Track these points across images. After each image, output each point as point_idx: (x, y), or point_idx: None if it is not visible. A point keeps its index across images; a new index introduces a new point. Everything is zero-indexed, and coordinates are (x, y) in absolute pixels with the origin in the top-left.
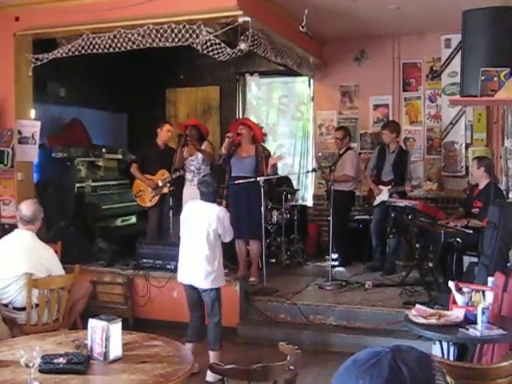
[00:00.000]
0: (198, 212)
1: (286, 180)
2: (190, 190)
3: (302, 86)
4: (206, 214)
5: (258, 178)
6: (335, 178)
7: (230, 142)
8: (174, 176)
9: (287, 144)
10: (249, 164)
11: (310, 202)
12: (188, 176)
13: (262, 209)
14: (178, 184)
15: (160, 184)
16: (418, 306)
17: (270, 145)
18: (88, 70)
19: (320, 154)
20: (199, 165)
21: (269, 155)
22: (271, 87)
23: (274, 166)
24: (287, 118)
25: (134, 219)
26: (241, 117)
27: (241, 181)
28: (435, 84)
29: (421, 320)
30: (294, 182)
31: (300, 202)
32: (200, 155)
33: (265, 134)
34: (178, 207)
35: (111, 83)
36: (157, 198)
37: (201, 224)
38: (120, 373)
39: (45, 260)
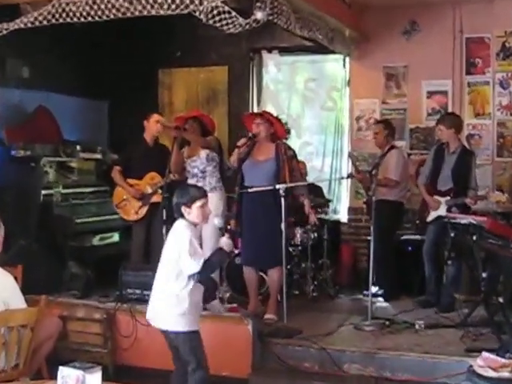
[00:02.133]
0: (171, 231)
1: (313, 188)
2: None
3: (334, 66)
4: (171, 234)
5: (278, 186)
6: (377, 183)
7: (241, 151)
8: (167, 180)
9: (315, 142)
10: (267, 170)
11: (344, 217)
12: (190, 182)
13: (283, 226)
14: (174, 190)
15: (149, 191)
16: (484, 354)
17: (294, 142)
18: (59, 46)
19: (355, 153)
20: (204, 165)
21: (293, 157)
22: (295, 68)
23: (301, 171)
24: (315, 109)
25: (116, 237)
26: (255, 106)
27: (255, 189)
28: (508, 65)
29: (490, 373)
30: (324, 191)
31: (331, 217)
32: (203, 153)
33: (288, 131)
34: (173, 221)
35: (89, 62)
36: (145, 209)
37: (165, 247)
38: None
39: (1, 289)
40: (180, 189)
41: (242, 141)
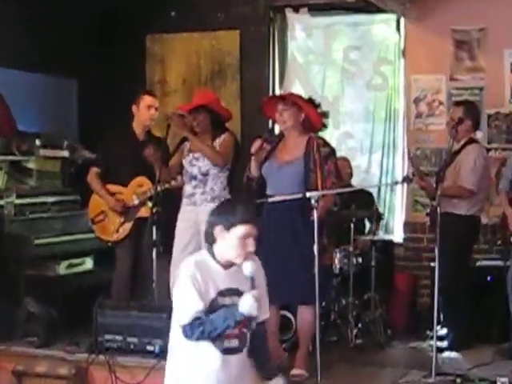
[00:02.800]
0: None
1: (357, 197)
2: (189, 216)
3: (384, 30)
4: None
5: (309, 194)
6: (444, 192)
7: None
8: (160, 188)
9: (358, 133)
10: (293, 173)
11: (398, 236)
12: (187, 188)
13: (316, 248)
14: (168, 202)
15: (135, 202)
16: None
17: (330, 134)
18: (12, 8)
19: (418, 153)
20: (208, 166)
21: (330, 154)
22: (331, 33)
23: (340, 174)
24: (359, 88)
25: (89, 263)
26: (277, 85)
27: (277, 198)
28: None
29: None
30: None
31: (381, 236)
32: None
33: (324, 114)
34: (166, 243)
35: (51, 28)
36: (128, 226)
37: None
38: None
39: None
40: (223, 203)
41: (256, 144)
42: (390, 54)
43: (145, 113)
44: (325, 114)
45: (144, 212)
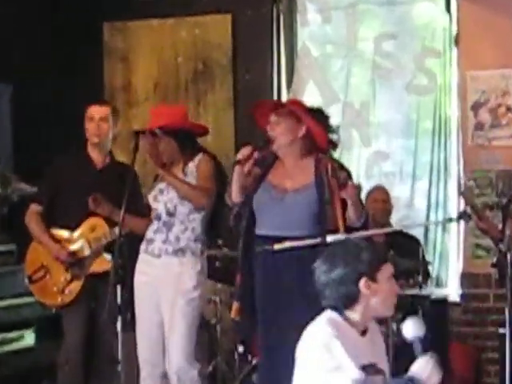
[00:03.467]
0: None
1: (396, 240)
2: (144, 268)
3: (429, 11)
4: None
5: (330, 238)
6: None
7: (247, 172)
8: (122, 232)
9: (397, 152)
10: (304, 207)
11: (454, 292)
12: (148, 231)
13: None
14: (134, 250)
15: (85, 252)
16: None
17: (357, 154)
18: None
19: (473, 184)
20: (176, 202)
21: (347, 179)
22: (356, 15)
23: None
24: (396, 90)
25: (29, 338)
26: (283, 87)
27: (281, 245)
28: None
29: None
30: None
31: (431, 293)
32: (181, 176)
33: (331, 130)
34: (134, 309)
35: None
36: (78, 284)
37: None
38: None
39: None
40: (339, 245)
41: (245, 151)
42: (438, 42)
43: (87, 128)
44: (331, 130)
45: (99, 266)
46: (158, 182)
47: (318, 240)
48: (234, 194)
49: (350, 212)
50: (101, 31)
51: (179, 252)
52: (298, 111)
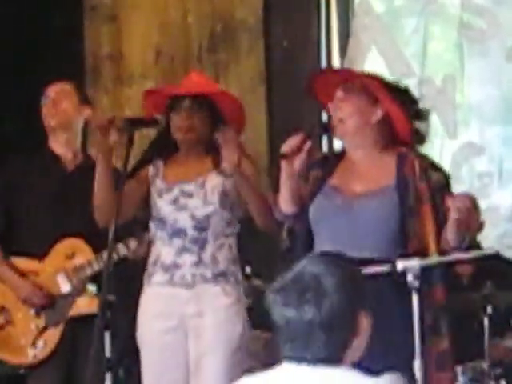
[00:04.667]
0: None
1: (494, 267)
2: (163, 307)
3: None
4: None
5: (402, 264)
6: None
7: (299, 171)
8: (118, 255)
9: (493, 144)
10: (379, 216)
11: None
12: (163, 253)
13: (418, 364)
14: (129, 281)
15: (63, 287)
16: None
17: (439, 147)
18: None
19: None
20: (211, 208)
21: (445, 185)
22: None
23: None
24: (492, 59)
25: None
26: (335, 56)
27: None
28: None
29: None
30: None
31: None
32: (214, 178)
33: (419, 115)
34: (131, 362)
35: None
36: (55, 334)
37: None
38: None
39: None
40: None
41: (294, 141)
42: None
43: (43, 113)
44: (421, 115)
45: (83, 306)
46: (173, 183)
47: (386, 268)
48: (284, 202)
49: (450, 232)
50: None
51: (220, 277)
52: (373, 86)
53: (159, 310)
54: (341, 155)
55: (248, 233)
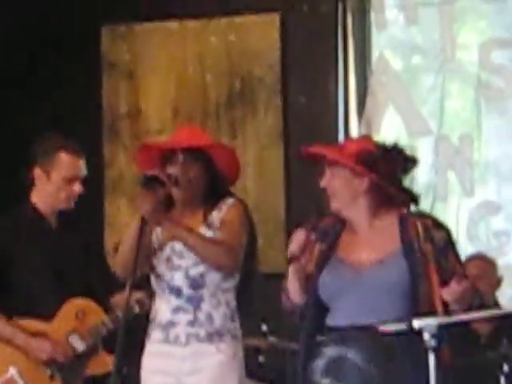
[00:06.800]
0: None
1: (509, 326)
2: (160, 363)
3: None
4: None
5: (419, 323)
6: None
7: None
8: (127, 315)
9: (511, 201)
10: (386, 285)
11: None
12: (161, 311)
13: None
14: (138, 337)
15: (78, 348)
16: None
17: (456, 206)
18: None
19: None
20: (202, 271)
21: (449, 242)
22: (454, 14)
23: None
24: (508, 116)
25: None
26: (352, 113)
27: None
28: None
29: None
30: None
31: None
32: (205, 230)
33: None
34: None
35: None
36: None
37: None
38: None
39: None
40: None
41: (299, 239)
42: None
43: (60, 187)
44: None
45: (98, 366)
46: (165, 241)
47: (403, 325)
48: (295, 294)
49: (452, 305)
50: (98, 37)
51: (215, 336)
52: (350, 165)
53: (157, 366)
54: (342, 224)
55: (264, 291)
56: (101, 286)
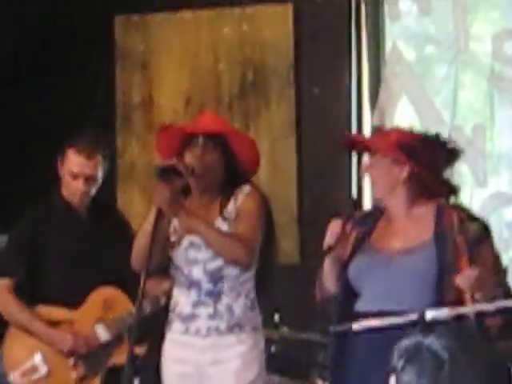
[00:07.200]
0: None
1: None
2: (182, 353)
3: None
4: None
5: (431, 314)
6: None
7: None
8: (146, 308)
9: None
10: (412, 273)
11: None
12: (180, 303)
13: None
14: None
15: (101, 337)
16: None
17: (468, 197)
18: None
19: None
20: (219, 265)
21: (484, 236)
22: (468, 4)
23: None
24: None
25: None
26: (365, 104)
27: (367, 324)
28: None
29: None
30: None
31: None
32: (221, 222)
33: (449, 166)
34: None
35: None
36: None
37: None
38: None
39: None
40: None
41: (335, 228)
42: None
43: (68, 182)
44: (451, 159)
45: (122, 355)
46: (182, 234)
47: (415, 317)
48: (331, 284)
49: (470, 293)
50: (111, 27)
51: (235, 328)
52: (390, 150)
53: (177, 355)
54: (380, 213)
55: (277, 281)
56: (130, 277)
